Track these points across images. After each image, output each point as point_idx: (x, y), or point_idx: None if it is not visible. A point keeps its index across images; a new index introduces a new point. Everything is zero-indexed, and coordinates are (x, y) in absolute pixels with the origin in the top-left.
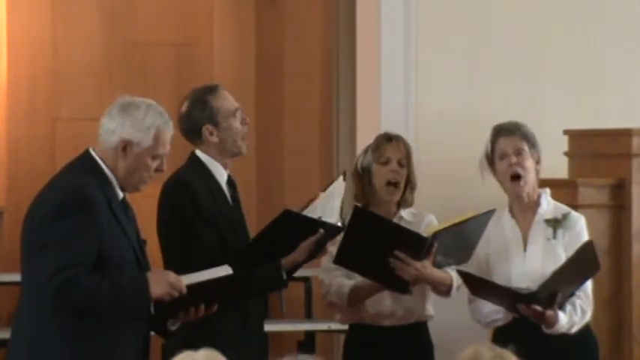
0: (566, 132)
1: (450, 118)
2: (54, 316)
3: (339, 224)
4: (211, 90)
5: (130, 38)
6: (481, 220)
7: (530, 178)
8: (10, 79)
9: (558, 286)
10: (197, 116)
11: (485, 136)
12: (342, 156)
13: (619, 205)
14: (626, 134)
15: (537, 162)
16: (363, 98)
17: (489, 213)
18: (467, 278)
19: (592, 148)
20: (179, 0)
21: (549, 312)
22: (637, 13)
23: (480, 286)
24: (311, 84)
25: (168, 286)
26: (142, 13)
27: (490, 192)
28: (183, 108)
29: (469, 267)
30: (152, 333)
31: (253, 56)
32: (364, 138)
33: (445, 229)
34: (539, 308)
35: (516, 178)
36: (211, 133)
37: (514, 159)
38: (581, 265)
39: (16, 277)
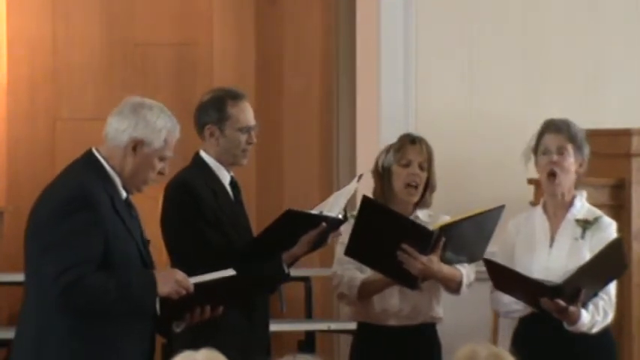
0: None
1: (449, 117)
2: (59, 315)
3: (340, 216)
4: (235, 96)
5: (130, 38)
6: (491, 215)
7: (566, 179)
8: (10, 79)
9: (583, 283)
10: (209, 113)
11: (485, 135)
12: (342, 156)
13: (619, 205)
14: (626, 134)
15: (580, 165)
16: (363, 98)
17: (499, 209)
18: (491, 267)
19: (592, 148)
20: (179, 0)
21: (572, 308)
22: (637, 13)
23: (503, 277)
24: (311, 84)
25: (176, 284)
26: (142, 13)
27: (490, 191)
28: (204, 99)
29: (496, 254)
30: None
31: (253, 56)
32: (364, 138)
33: (452, 223)
34: (562, 303)
35: (552, 175)
36: (212, 135)
37: (555, 157)
38: (607, 263)
39: (17, 277)
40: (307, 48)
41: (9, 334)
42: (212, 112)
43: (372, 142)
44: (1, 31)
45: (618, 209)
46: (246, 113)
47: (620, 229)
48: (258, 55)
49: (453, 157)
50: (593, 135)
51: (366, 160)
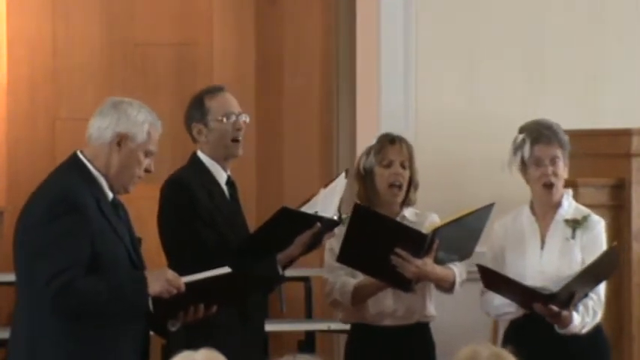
0: (566, 132)
1: (449, 118)
2: (52, 318)
3: (336, 218)
4: (212, 91)
5: (130, 38)
6: (481, 214)
7: (561, 185)
8: (10, 79)
9: (577, 288)
10: (191, 114)
11: (485, 135)
12: (342, 156)
13: (619, 205)
14: (626, 134)
15: (565, 164)
16: (363, 98)
17: (489, 207)
18: (485, 273)
19: (592, 148)
20: (179, 0)
21: (565, 312)
22: (637, 13)
23: (497, 282)
24: (311, 84)
25: (166, 283)
26: (142, 13)
27: (490, 191)
28: (187, 105)
29: (484, 257)
30: (151, 333)
31: (253, 56)
32: (364, 138)
33: (445, 225)
34: (555, 308)
35: (549, 187)
36: (199, 132)
37: (550, 169)
38: (602, 269)
39: None
40: (307, 48)
41: (8, 334)
42: (193, 111)
43: (371, 142)
44: (1, 31)
45: (618, 209)
46: (226, 102)
47: (620, 229)
48: (258, 55)
49: (452, 157)
50: (593, 135)
51: None
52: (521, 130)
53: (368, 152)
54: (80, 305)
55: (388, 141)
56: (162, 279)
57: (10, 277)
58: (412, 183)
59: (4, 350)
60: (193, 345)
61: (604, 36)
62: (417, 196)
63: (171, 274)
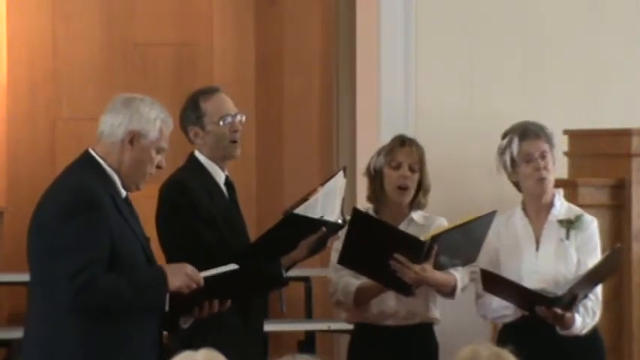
0: (566, 132)
1: (449, 118)
2: (71, 317)
3: (340, 221)
4: (207, 92)
5: (130, 38)
6: (484, 221)
7: (552, 180)
8: (10, 79)
9: (580, 290)
10: (187, 116)
11: (485, 135)
12: (342, 156)
13: (619, 205)
14: (626, 134)
15: (553, 163)
16: (363, 98)
17: (491, 214)
18: (487, 276)
19: (592, 148)
20: (179, 0)
21: (568, 314)
22: (637, 13)
23: (499, 285)
24: (311, 84)
25: (187, 277)
26: (142, 13)
27: (490, 191)
28: (182, 106)
29: (479, 260)
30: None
31: (253, 56)
32: (364, 138)
33: (446, 232)
34: (559, 311)
35: (541, 181)
36: (196, 135)
37: (541, 162)
38: (605, 270)
39: (17, 277)
40: (307, 48)
41: (9, 334)
42: (189, 113)
43: (372, 142)
44: (1, 31)
45: (618, 209)
46: (221, 104)
47: (620, 229)
48: (258, 55)
49: (452, 157)
50: (593, 135)
51: (366, 160)
52: (505, 133)
53: (379, 152)
54: (102, 303)
55: (399, 143)
56: (181, 273)
57: (10, 277)
58: (422, 186)
59: (5, 350)
60: (194, 345)
61: (604, 36)
62: (427, 198)
63: (190, 268)
